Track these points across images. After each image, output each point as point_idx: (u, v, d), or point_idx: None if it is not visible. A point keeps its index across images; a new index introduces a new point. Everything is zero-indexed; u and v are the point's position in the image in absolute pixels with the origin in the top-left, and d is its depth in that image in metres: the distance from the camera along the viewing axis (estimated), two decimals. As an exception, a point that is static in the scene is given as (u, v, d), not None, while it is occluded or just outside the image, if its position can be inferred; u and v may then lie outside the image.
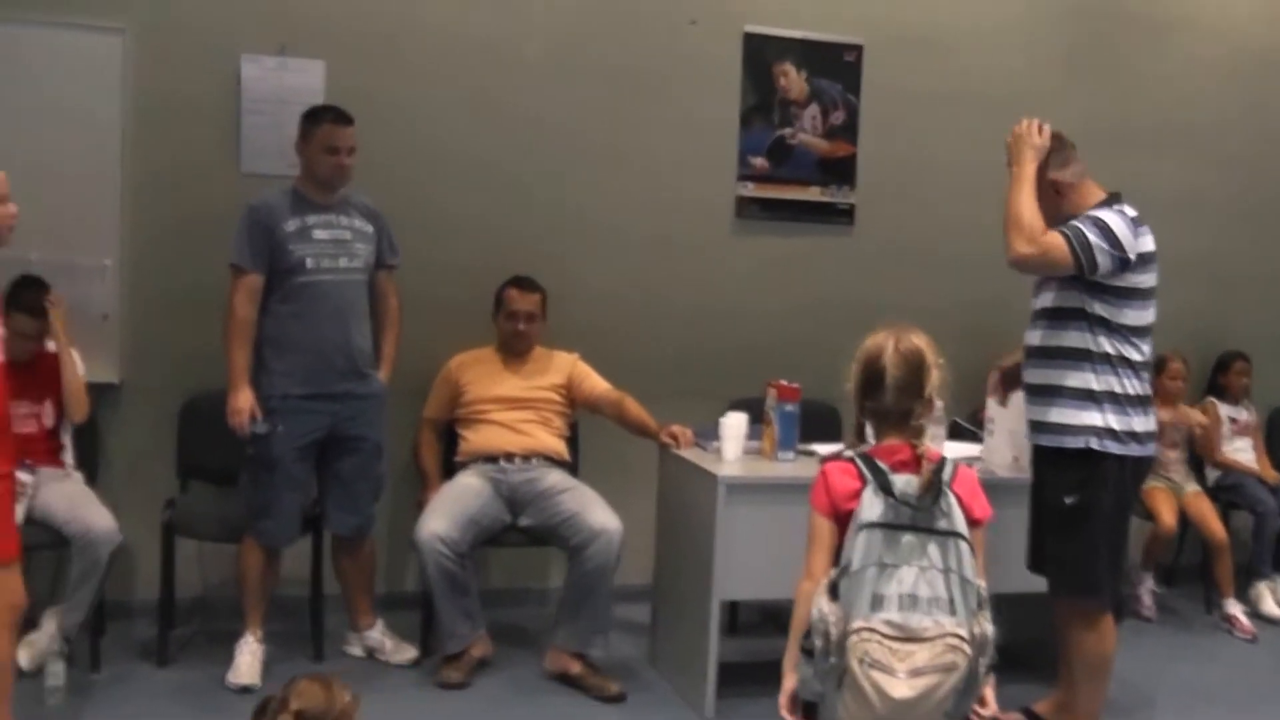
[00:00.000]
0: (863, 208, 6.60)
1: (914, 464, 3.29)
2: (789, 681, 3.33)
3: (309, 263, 5.25)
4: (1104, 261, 4.42)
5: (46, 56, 5.60)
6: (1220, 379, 7.11)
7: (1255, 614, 6.58)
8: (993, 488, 3.61)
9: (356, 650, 5.61)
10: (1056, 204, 4.58)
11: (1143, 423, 4.56)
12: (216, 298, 5.29)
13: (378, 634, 5.59)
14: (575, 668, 5.30)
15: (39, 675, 4.91)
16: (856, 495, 3.24)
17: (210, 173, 5.78)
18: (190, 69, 5.79)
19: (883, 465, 3.27)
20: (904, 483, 3.23)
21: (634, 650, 5.69)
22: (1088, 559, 4.59)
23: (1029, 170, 4.55)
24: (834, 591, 3.21)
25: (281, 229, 5.22)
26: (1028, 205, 4.50)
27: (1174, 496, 6.67)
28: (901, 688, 3.11)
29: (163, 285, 5.78)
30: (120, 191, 5.72)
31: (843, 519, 3.27)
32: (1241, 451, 6.99)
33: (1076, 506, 4.54)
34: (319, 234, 5.29)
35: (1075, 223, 4.46)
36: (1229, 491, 6.87)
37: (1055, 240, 4.44)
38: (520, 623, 5.93)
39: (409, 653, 5.54)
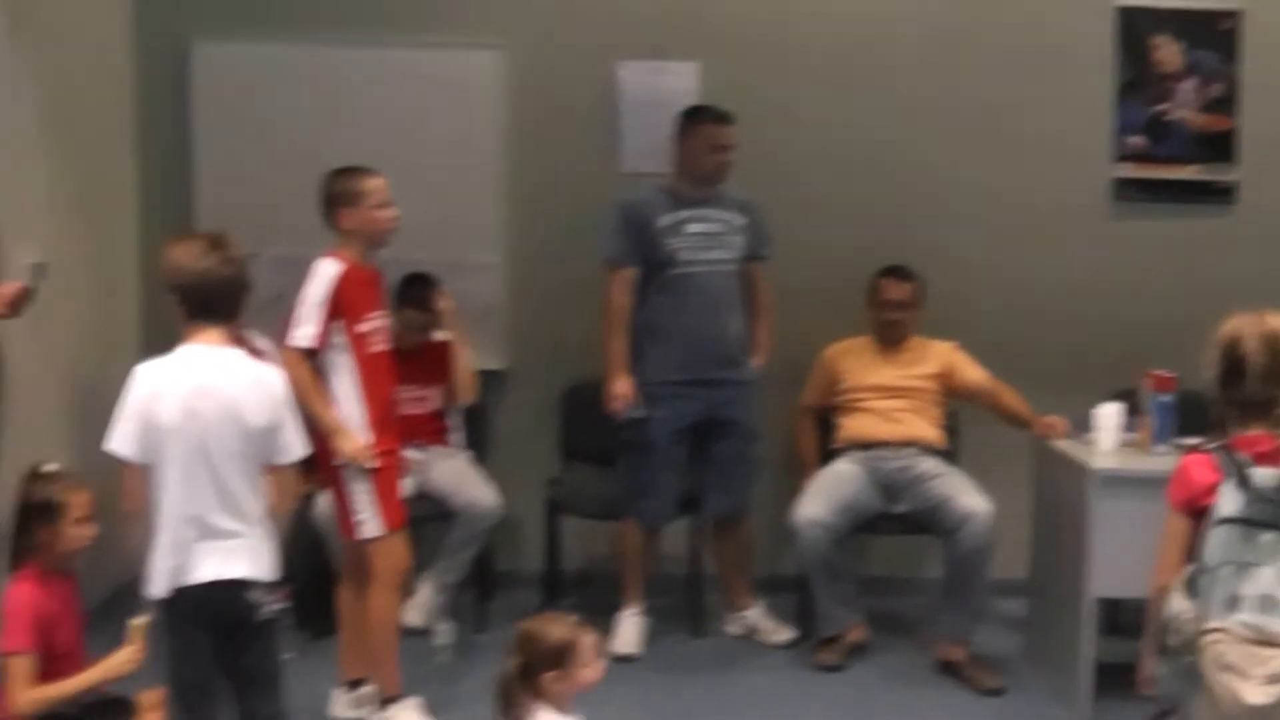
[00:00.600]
0: (1245, 185, 6.23)
1: (1277, 456, 3.17)
2: (1148, 666, 3.31)
3: (682, 255, 5.43)
4: None
5: (433, 75, 6.00)
6: None
7: None
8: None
9: (735, 629, 5.76)
10: None
11: None
12: (596, 291, 5.55)
13: (756, 614, 5.74)
14: (957, 654, 5.30)
15: (425, 634, 5.27)
16: (1214, 489, 3.15)
17: (591, 174, 6.05)
18: (569, 77, 6.11)
19: (1243, 458, 3.16)
20: (1264, 476, 3.11)
21: (1011, 645, 5.62)
22: None
23: None
24: (1191, 588, 3.14)
25: (654, 224, 5.42)
26: None
27: None
28: (1256, 693, 3.01)
29: (546, 280, 6.10)
30: (504, 195, 6.09)
31: (1200, 514, 3.18)
32: None
33: None
34: (692, 228, 5.46)
35: None
36: None
37: None
38: (896, 611, 5.94)
39: (786, 634, 5.67)
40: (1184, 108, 6.23)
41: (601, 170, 6.06)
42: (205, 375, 3.54)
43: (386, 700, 4.62)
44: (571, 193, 6.06)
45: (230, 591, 3.51)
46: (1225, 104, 6.23)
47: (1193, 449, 3.35)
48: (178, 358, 3.60)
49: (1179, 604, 3.14)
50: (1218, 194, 6.27)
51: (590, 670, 3.49)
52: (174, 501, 3.50)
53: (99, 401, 5.55)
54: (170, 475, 3.50)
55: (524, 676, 3.40)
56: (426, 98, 5.98)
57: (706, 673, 5.33)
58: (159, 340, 5.64)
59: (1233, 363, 3.24)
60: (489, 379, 5.86)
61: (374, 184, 4.54)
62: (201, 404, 3.50)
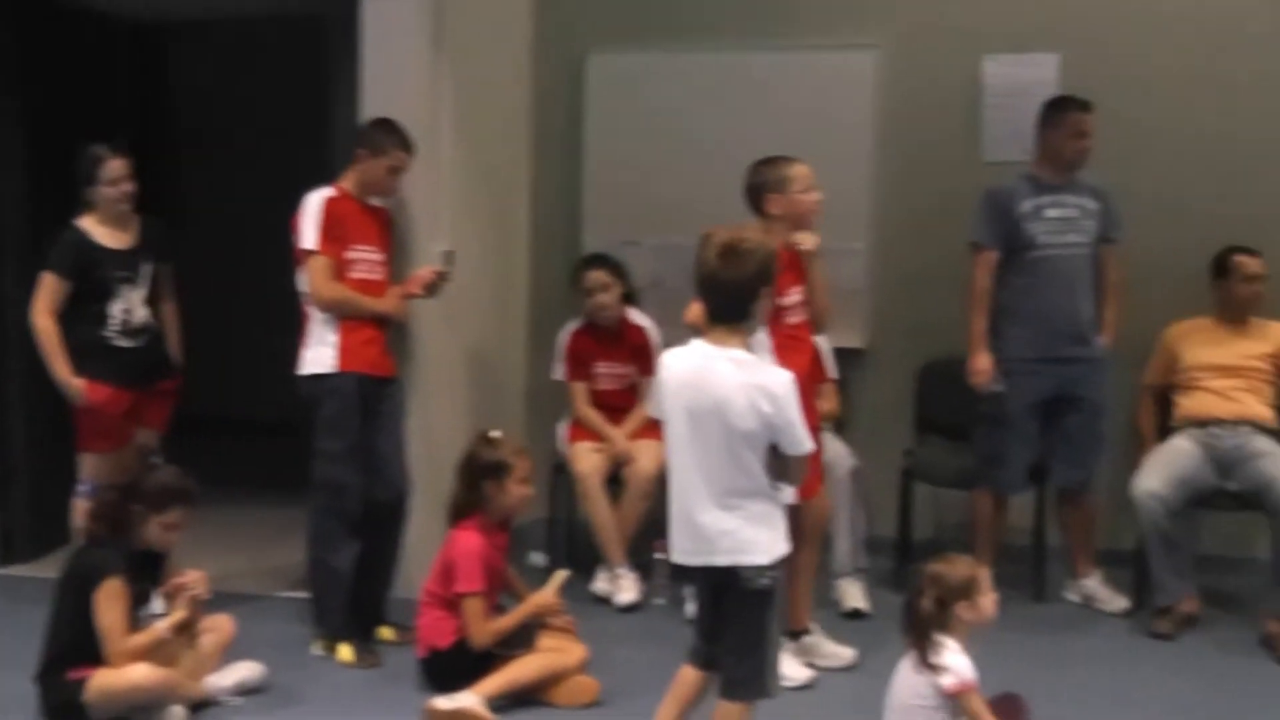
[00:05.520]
0: None
1: None
2: None
3: (1040, 239, 5.76)
4: None
5: (807, 75, 6.48)
6: None
7: None
8: None
9: (1074, 597, 6.04)
10: None
11: None
12: (952, 273, 5.99)
13: (1094, 583, 5.99)
14: (1274, 628, 5.42)
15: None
16: None
17: (953, 163, 6.42)
18: (936, 72, 6.50)
19: None
20: None
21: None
22: None
23: None
24: None
25: (1017, 210, 5.76)
26: None
27: None
28: None
29: (906, 264, 6.51)
30: (871, 184, 6.48)
31: None
32: None
33: None
34: (1050, 213, 5.77)
35: None
36: None
37: None
38: (1229, 589, 6.09)
39: (1122, 603, 5.90)
40: None
41: (964, 159, 6.41)
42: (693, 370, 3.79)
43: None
44: (935, 181, 6.45)
45: None
46: None
47: None
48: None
49: None
50: None
51: (989, 599, 4.04)
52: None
53: (495, 376, 6.41)
54: None
55: (940, 610, 3.96)
56: (800, 97, 6.44)
57: (1047, 635, 5.61)
58: (545, 325, 6.49)
59: None
60: (849, 357, 6.28)
61: (798, 171, 4.98)
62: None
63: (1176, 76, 6.31)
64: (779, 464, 3.78)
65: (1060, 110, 5.79)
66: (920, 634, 3.99)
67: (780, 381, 3.71)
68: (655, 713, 4.04)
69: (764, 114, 6.41)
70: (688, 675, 4.01)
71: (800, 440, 3.73)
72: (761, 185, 4.95)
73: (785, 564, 3.86)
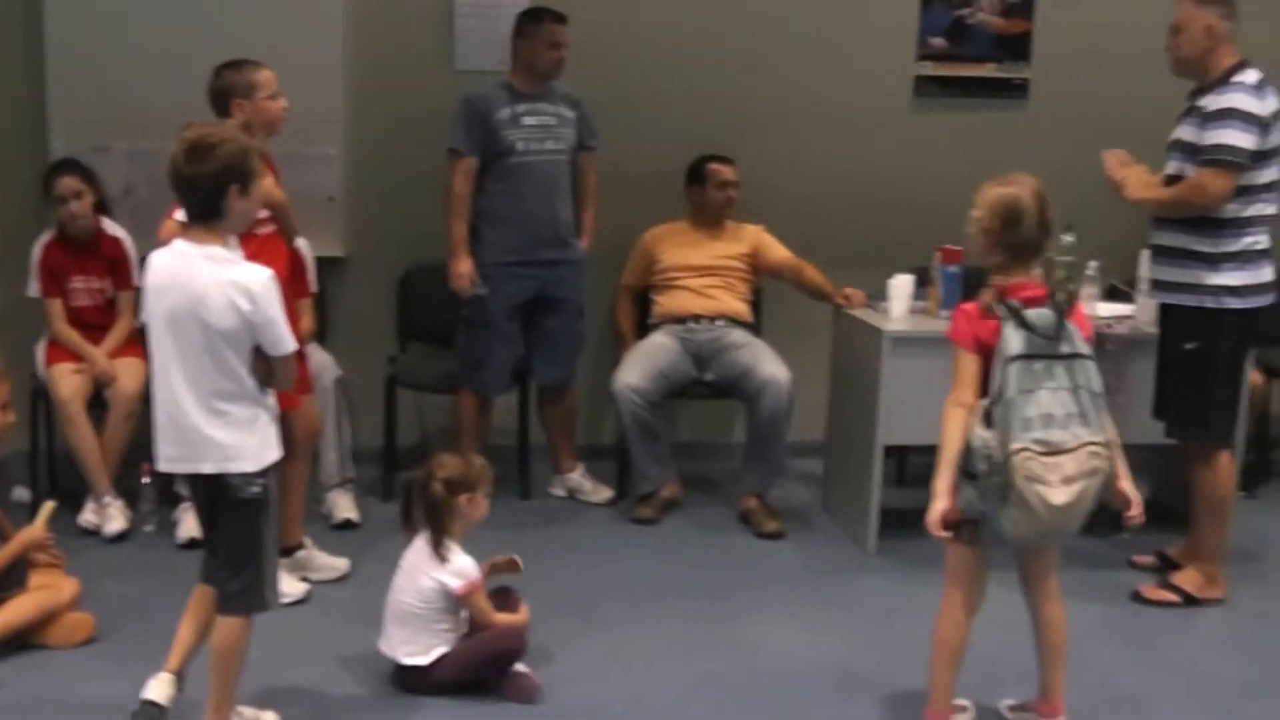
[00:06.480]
0: (1036, 82, 6.80)
1: (1041, 298, 3.61)
2: (940, 503, 3.65)
3: (519, 146, 5.85)
4: (1250, 142, 4.75)
5: None
6: None
7: None
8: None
9: (559, 491, 6.26)
10: (1207, 48, 4.88)
11: None
12: (429, 181, 5.96)
13: (578, 476, 6.24)
14: (751, 504, 5.83)
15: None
16: (996, 331, 3.57)
17: (426, 71, 6.39)
18: (408, -24, 6.40)
19: (1016, 302, 3.58)
20: (1039, 316, 3.56)
21: (809, 498, 6.20)
22: None
23: (1137, 193, 5.04)
24: (988, 420, 3.57)
25: (495, 117, 5.82)
26: (1167, 193, 4.94)
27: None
28: (1059, 495, 3.51)
29: (382, 171, 6.41)
30: (343, 89, 6.30)
31: (984, 351, 3.61)
32: None
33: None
34: (528, 120, 5.87)
35: (1217, 139, 4.76)
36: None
37: (1210, 178, 4.79)
38: (707, 473, 6.49)
39: (606, 493, 6.18)
40: (985, 12, 6.74)
41: (436, 67, 6.40)
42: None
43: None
44: (408, 88, 6.38)
45: None
46: (1024, 8, 6.75)
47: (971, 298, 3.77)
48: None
49: (980, 435, 3.56)
50: (1012, 90, 6.83)
51: (486, 502, 4.24)
52: None
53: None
54: None
55: (445, 497, 4.11)
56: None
57: (535, 530, 5.77)
58: (14, 237, 6.03)
59: (1012, 216, 3.68)
60: (329, 266, 6.18)
61: (265, 76, 4.79)
62: None
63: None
64: (264, 366, 3.67)
65: (535, 21, 5.90)
66: (436, 519, 4.14)
67: (259, 279, 3.59)
68: (174, 637, 3.86)
69: (232, 15, 6.07)
70: (202, 593, 3.85)
71: (283, 339, 3.63)
72: (227, 90, 4.77)
73: (276, 475, 3.77)
